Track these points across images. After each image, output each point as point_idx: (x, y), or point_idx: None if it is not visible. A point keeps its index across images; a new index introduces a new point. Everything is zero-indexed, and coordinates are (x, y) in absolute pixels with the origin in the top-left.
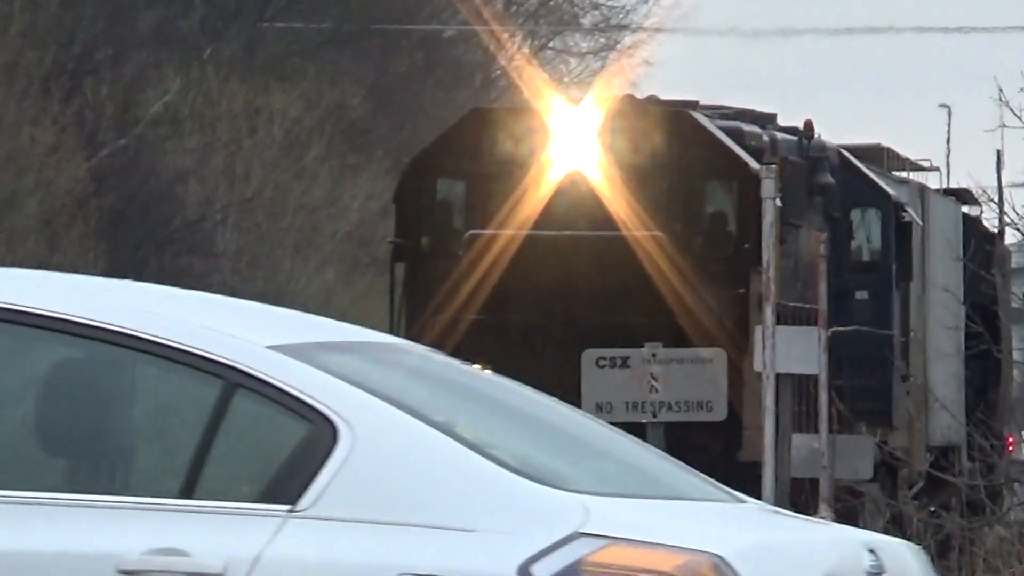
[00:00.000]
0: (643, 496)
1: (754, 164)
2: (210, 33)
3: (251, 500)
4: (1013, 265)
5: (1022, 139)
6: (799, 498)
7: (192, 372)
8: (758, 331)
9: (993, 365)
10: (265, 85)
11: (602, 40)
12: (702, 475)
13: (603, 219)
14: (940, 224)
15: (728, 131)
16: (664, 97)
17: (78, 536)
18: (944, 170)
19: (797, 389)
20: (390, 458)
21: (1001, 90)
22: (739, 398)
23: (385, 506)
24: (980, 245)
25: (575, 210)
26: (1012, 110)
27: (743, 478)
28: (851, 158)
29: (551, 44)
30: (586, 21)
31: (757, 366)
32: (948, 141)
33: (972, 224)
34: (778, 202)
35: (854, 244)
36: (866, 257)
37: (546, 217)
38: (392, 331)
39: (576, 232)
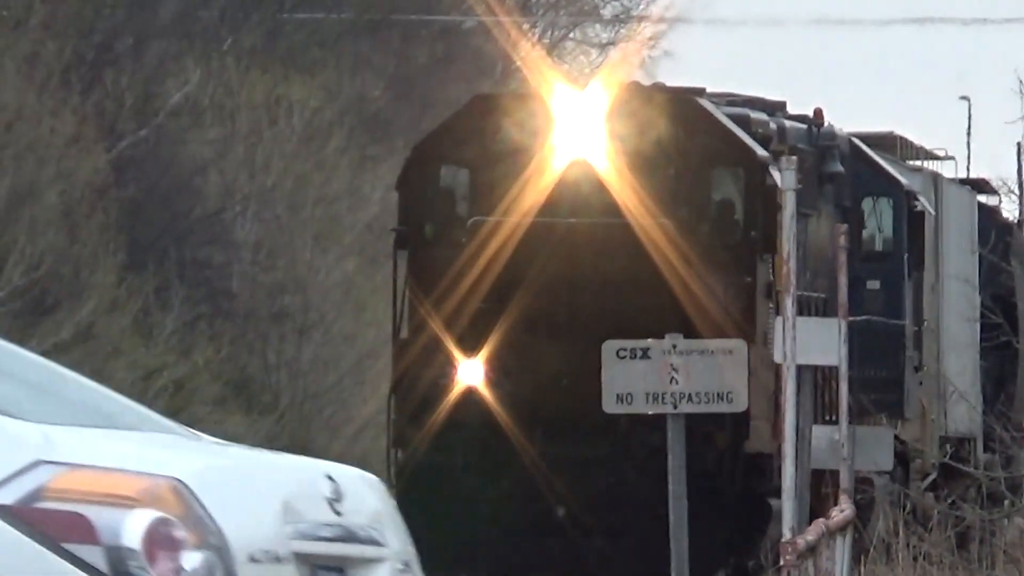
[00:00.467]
0: (104, 427)
1: (761, 151)
2: (230, 23)
3: None
4: None
5: None
6: (819, 490)
7: None
8: (778, 322)
9: (1012, 356)
10: (285, 76)
11: (622, 31)
12: (164, 417)
13: (608, 206)
14: (954, 213)
15: (735, 118)
16: (671, 84)
17: None
18: (964, 162)
19: (819, 385)
20: None
21: (1021, 82)
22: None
23: None
24: (1000, 235)
25: (580, 197)
26: None
27: (750, 469)
28: (862, 146)
29: (571, 35)
30: (606, 12)
31: (778, 357)
32: (968, 133)
33: (990, 214)
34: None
35: (866, 233)
36: (878, 247)
37: (550, 204)
38: (395, 319)
39: (581, 219)
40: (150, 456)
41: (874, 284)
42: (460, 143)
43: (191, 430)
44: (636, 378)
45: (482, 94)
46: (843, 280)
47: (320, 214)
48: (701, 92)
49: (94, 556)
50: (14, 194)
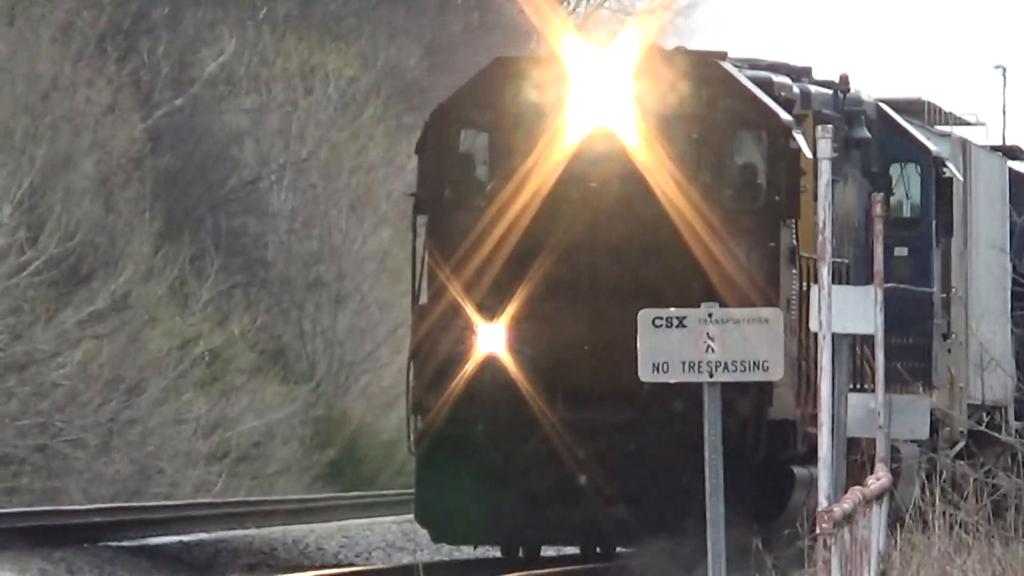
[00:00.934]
0: None
1: (784, 115)
2: None
3: None
4: None
5: None
6: (854, 457)
7: None
8: (814, 291)
9: None
10: (320, 45)
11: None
12: None
13: (629, 170)
14: (984, 179)
15: (757, 82)
16: (692, 48)
17: None
18: (1000, 130)
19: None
20: None
21: None
22: None
23: None
24: None
25: (600, 161)
26: None
27: (774, 435)
28: (890, 112)
29: (607, 4)
30: None
31: (813, 326)
32: (1004, 102)
33: (1023, 180)
34: (808, 153)
35: (893, 200)
36: (905, 213)
37: (571, 168)
38: (414, 282)
39: (602, 183)
40: None
41: (902, 251)
42: (480, 107)
43: None
44: (672, 347)
45: (502, 57)
46: (879, 249)
47: (355, 183)
48: (723, 56)
49: None
50: (50, 164)
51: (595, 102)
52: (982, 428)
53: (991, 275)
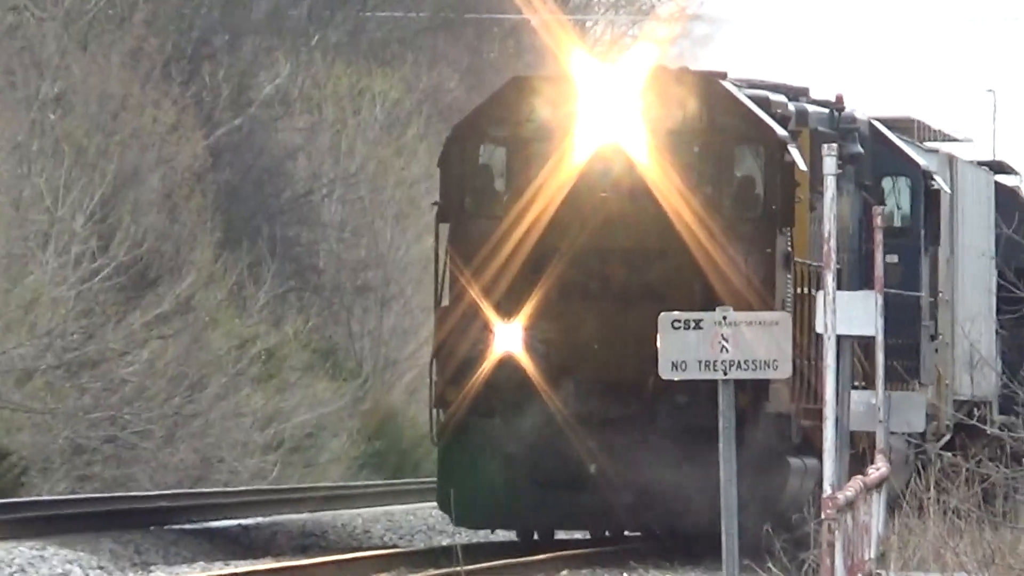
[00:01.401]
0: None
1: (780, 130)
2: (317, 21)
3: None
4: None
5: None
6: (857, 449)
7: None
8: (820, 296)
9: None
10: (368, 69)
11: (677, 28)
12: None
13: (637, 182)
14: (970, 192)
15: (755, 99)
16: (695, 68)
17: None
18: (991, 147)
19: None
20: None
21: None
22: None
23: None
24: (1023, 213)
25: (610, 172)
26: None
27: (770, 428)
28: (882, 129)
29: (630, 32)
30: (662, 11)
31: (819, 328)
32: (994, 121)
33: (1011, 194)
34: (802, 166)
35: (885, 211)
36: (896, 223)
37: (582, 179)
38: (437, 286)
39: (611, 194)
40: None
41: (892, 258)
42: (497, 123)
43: None
44: (689, 347)
45: (518, 76)
46: (879, 257)
47: (400, 196)
48: (724, 75)
49: None
50: (120, 178)
51: (604, 118)
52: (972, 422)
53: (977, 280)
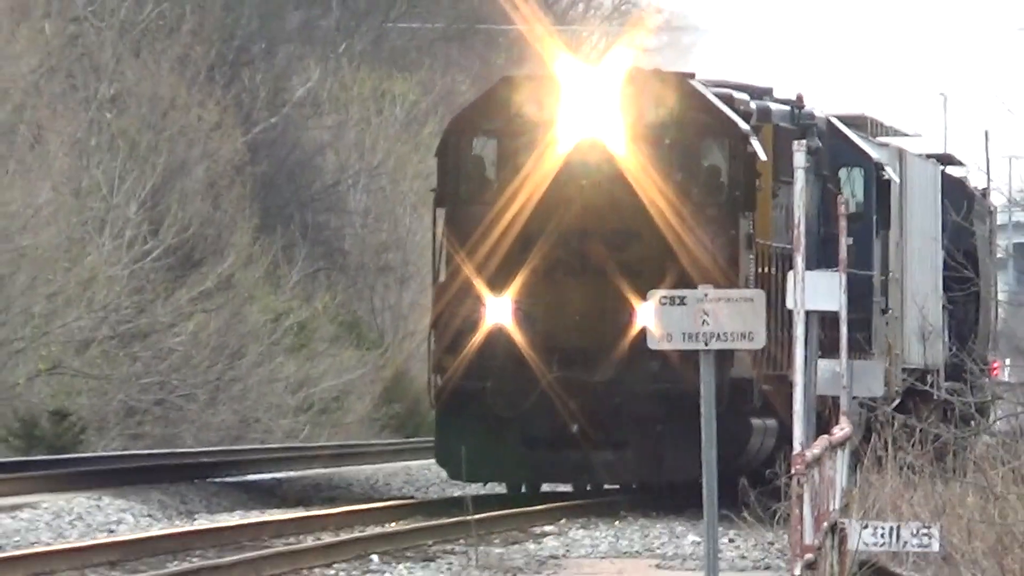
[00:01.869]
0: None
1: (744, 125)
2: (344, 31)
3: None
4: (998, 222)
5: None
6: (822, 411)
7: None
8: (791, 275)
9: (977, 301)
10: (389, 74)
11: (665, 38)
12: None
13: (614, 171)
14: (918, 181)
15: (720, 97)
16: (667, 70)
17: None
18: (942, 143)
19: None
20: None
21: (994, 84)
22: None
23: None
24: (969, 201)
25: (590, 163)
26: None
27: (734, 391)
28: (839, 125)
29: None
30: (651, 23)
31: (789, 304)
32: (945, 120)
33: (959, 183)
34: (764, 157)
35: (840, 198)
36: (851, 209)
37: (565, 169)
38: (435, 265)
39: (591, 182)
40: None
41: (847, 241)
42: (489, 117)
43: None
44: (675, 321)
45: (508, 75)
46: (844, 241)
47: (417, 186)
48: (693, 76)
49: None
50: (168, 170)
51: (585, 114)
52: (924, 387)
53: (924, 261)
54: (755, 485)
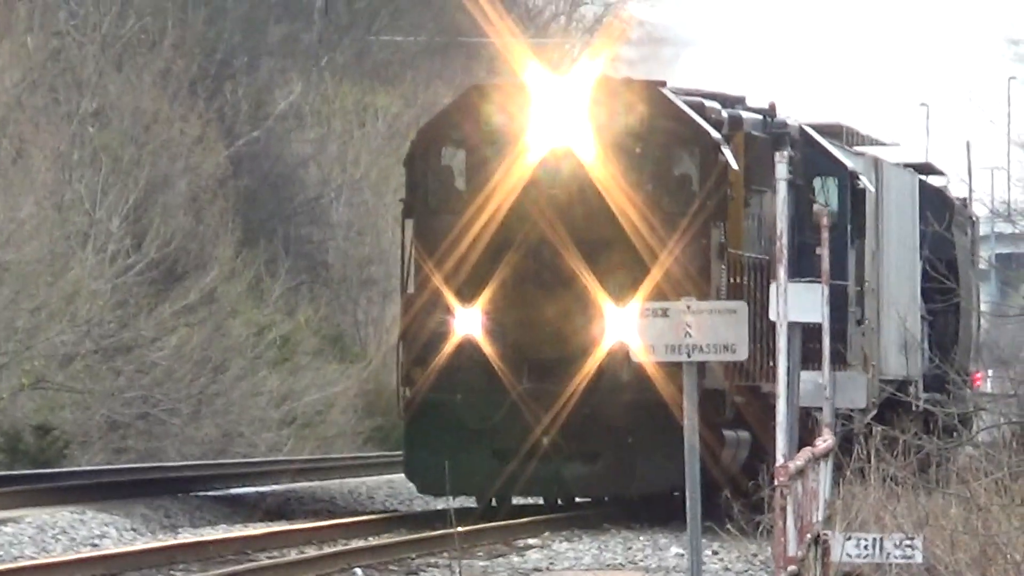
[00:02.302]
0: None
1: (715, 133)
2: (327, 44)
3: None
4: (980, 233)
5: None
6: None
7: None
8: (773, 287)
9: (958, 311)
10: (371, 87)
11: (646, 50)
12: None
13: (584, 180)
14: (895, 191)
15: (691, 105)
16: (636, 78)
17: None
18: (924, 152)
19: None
20: None
21: (975, 94)
22: None
23: None
24: (950, 211)
25: (560, 172)
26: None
27: (707, 402)
28: (813, 133)
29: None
30: (633, 35)
31: (772, 316)
32: (927, 129)
33: (939, 193)
34: (735, 166)
35: (815, 208)
36: None
37: (534, 178)
38: (403, 276)
39: (561, 191)
40: None
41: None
42: (458, 127)
43: None
44: (658, 332)
45: (476, 84)
46: (825, 252)
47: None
48: (663, 84)
49: None
50: (150, 184)
51: (555, 123)
52: (903, 397)
53: (901, 271)
54: (734, 497)
